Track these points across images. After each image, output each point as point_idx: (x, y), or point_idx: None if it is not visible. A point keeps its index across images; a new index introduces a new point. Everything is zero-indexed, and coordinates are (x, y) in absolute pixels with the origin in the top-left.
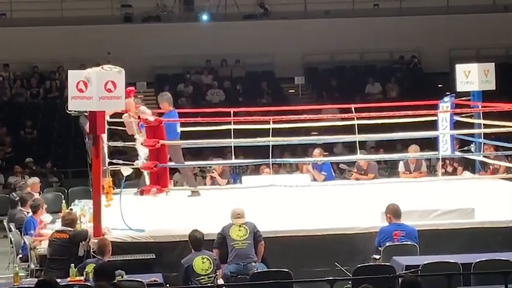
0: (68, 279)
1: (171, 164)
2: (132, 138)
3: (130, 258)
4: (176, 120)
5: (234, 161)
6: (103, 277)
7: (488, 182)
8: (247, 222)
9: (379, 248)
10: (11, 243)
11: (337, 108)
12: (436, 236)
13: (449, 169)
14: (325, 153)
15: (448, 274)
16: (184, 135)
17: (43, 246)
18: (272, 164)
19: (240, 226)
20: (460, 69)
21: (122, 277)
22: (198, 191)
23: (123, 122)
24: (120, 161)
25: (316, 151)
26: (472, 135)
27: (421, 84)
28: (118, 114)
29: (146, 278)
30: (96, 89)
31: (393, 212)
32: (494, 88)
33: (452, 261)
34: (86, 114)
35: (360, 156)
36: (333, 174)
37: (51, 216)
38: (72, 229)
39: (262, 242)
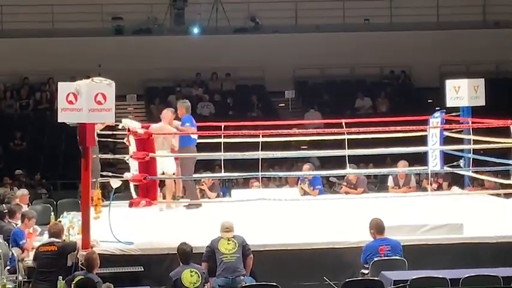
0: None
1: (161, 176)
2: (122, 151)
3: (119, 271)
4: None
5: (223, 174)
6: None
7: (477, 197)
8: (236, 236)
9: (365, 266)
10: None
11: (323, 122)
12: (425, 251)
13: (434, 186)
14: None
15: None
16: None
17: (31, 258)
18: (261, 177)
19: (228, 240)
20: (450, 84)
21: None
22: (200, 203)
23: (112, 134)
24: (110, 173)
25: (306, 166)
26: (461, 150)
27: (411, 99)
28: (109, 127)
29: None
30: (86, 101)
31: (376, 226)
32: (484, 104)
33: (440, 276)
34: None
35: (349, 171)
36: (323, 188)
37: (39, 228)
38: (60, 240)
39: (251, 255)
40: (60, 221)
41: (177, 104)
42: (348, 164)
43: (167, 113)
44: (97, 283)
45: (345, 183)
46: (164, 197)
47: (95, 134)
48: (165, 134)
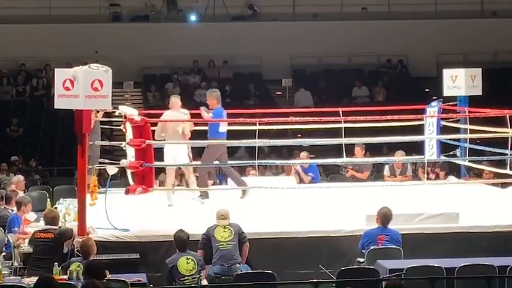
0: None
1: (157, 163)
2: (118, 138)
3: (115, 258)
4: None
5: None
6: (94, 275)
7: (473, 186)
8: (232, 224)
9: (363, 251)
10: None
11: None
12: (421, 240)
13: (432, 176)
14: (312, 156)
15: (431, 278)
16: None
17: (27, 245)
18: (258, 165)
19: (224, 227)
20: (447, 73)
21: (106, 276)
22: (207, 193)
23: (109, 121)
24: (106, 160)
25: (303, 154)
26: (458, 140)
27: (408, 88)
28: (106, 114)
29: (130, 277)
30: (82, 88)
31: (383, 216)
32: (481, 93)
33: (436, 265)
34: None
35: (346, 160)
36: (319, 176)
37: (35, 214)
38: (56, 227)
39: (247, 243)
40: (56, 208)
41: (207, 93)
42: (344, 153)
43: (177, 101)
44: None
45: (351, 167)
46: (161, 185)
47: (98, 122)
48: (172, 121)
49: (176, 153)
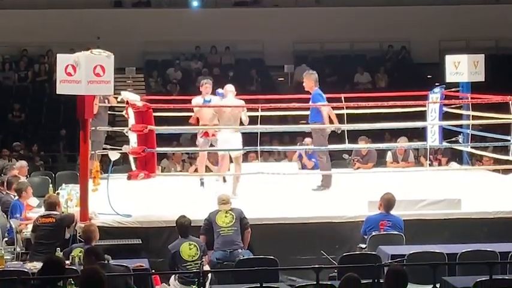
0: None
1: (159, 149)
2: (121, 124)
3: (117, 243)
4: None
5: (222, 148)
6: (93, 258)
7: (475, 173)
8: (234, 209)
9: (365, 236)
10: None
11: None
12: (423, 226)
13: (435, 164)
14: None
15: (433, 264)
16: (172, 122)
17: (29, 230)
18: (260, 151)
19: (226, 212)
20: (450, 60)
21: (108, 262)
22: (330, 181)
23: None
24: (108, 146)
25: (308, 140)
26: (460, 126)
27: (411, 74)
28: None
29: (132, 263)
30: (84, 73)
31: (386, 201)
32: (484, 80)
33: (437, 251)
34: None
35: (348, 146)
36: None
37: (37, 200)
38: (58, 213)
39: (249, 229)
40: (58, 193)
41: (304, 75)
42: (346, 139)
43: (231, 87)
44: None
45: (357, 158)
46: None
47: (106, 108)
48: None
49: (230, 143)
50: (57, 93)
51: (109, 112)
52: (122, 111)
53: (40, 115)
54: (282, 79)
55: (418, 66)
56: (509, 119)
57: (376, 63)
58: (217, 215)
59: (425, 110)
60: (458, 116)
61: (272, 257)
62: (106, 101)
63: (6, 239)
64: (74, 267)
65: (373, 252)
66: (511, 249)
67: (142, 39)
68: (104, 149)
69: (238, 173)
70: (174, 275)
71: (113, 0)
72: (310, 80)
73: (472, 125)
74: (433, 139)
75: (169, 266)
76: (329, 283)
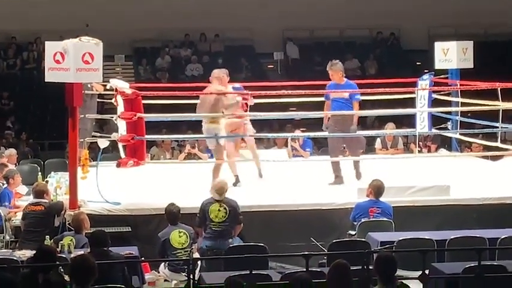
0: None
1: (148, 136)
2: (110, 111)
3: (106, 231)
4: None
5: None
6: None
7: (464, 159)
8: (230, 202)
9: (354, 223)
10: None
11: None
12: (412, 212)
13: (424, 151)
14: (303, 129)
15: (422, 250)
16: (162, 109)
17: (18, 218)
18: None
19: (220, 205)
20: (439, 46)
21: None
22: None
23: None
24: (97, 134)
25: (298, 131)
26: (449, 113)
27: (400, 61)
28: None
29: (122, 251)
30: (73, 61)
31: (375, 188)
32: (472, 66)
33: (427, 237)
34: None
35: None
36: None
37: (26, 188)
38: (47, 201)
39: (241, 224)
40: (47, 181)
41: (329, 67)
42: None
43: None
44: (85, 244)
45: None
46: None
47: (95, 96)
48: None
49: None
50: (45, 81)
51: (99, 100)
52: (111, 99)
53: (29, 103)
54: (272, 66)
55: (407, 53)
56: (497, 105)
57: (365, 50)
58: (211, 206)
59: (415, 97)
60: (447, 103)
61: (262, 244)
62: (92, 88)
63: None
64: (63, 255)
65: (363, 239)
66: (499, 235)
67: (131, 26)
68: (93, 136)
69: (233, 160)
70: (163, 263)
71: None
72: (338, 71)
73: (461, 111)
74: (422, 126)
75: (159, 254)
76: (319, 270)
